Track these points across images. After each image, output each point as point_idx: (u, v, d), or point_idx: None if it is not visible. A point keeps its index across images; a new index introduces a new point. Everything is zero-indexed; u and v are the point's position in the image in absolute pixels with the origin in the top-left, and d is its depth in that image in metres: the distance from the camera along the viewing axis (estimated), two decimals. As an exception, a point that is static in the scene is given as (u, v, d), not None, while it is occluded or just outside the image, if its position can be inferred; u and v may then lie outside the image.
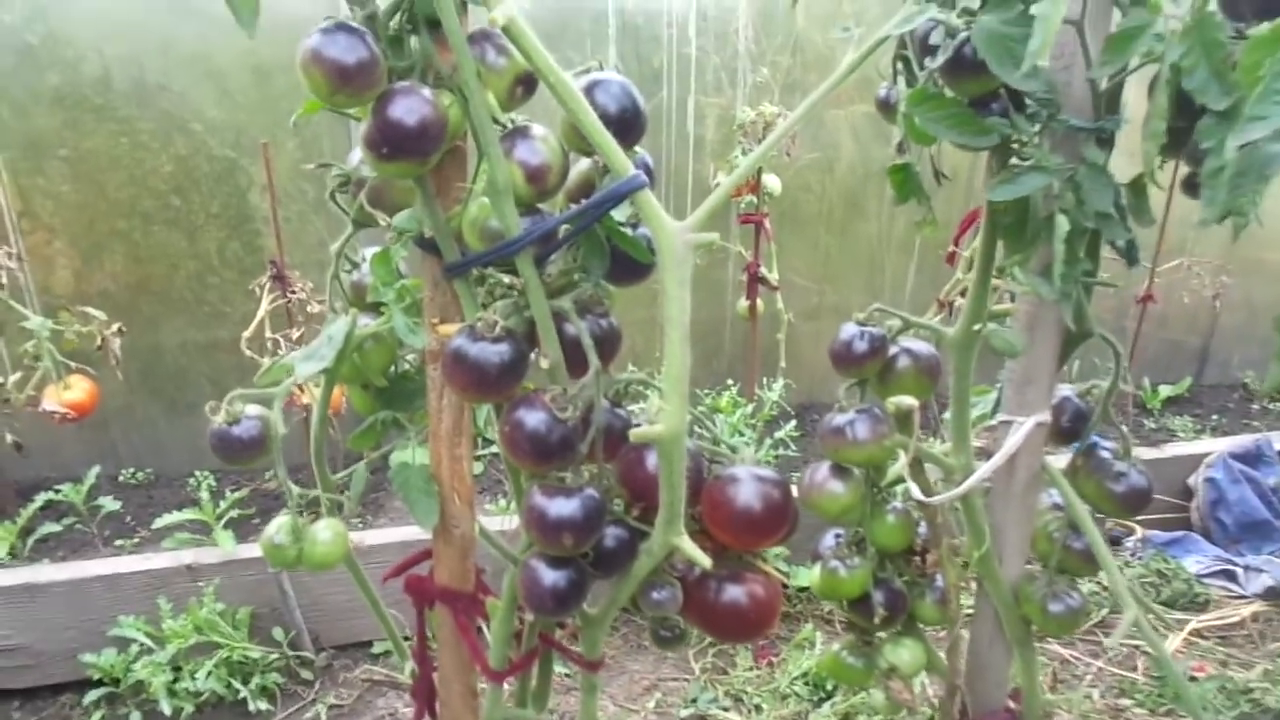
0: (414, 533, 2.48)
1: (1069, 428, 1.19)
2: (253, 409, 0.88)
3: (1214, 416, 3.58)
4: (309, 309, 2.55)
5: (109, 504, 2.63)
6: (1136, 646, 2.48)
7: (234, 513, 2.59)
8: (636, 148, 0.93)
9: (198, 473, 2.87)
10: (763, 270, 2.87)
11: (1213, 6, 0.74)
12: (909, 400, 1.09)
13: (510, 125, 0.87)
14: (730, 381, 2.92)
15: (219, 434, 0.86)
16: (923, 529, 1.26)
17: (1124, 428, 1.18)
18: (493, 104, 0.84)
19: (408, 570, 1.08)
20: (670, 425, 0.81)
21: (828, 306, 3.33)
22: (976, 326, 1.00)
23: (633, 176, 0.82)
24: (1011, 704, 1.27)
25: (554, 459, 0.86)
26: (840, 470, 1.18)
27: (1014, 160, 0.97)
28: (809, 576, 1.25)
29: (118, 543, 2.60)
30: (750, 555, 1.03)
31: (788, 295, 3.00)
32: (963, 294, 3.11)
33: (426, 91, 0.80)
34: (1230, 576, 2.74)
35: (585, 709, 1.10)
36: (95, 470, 2.67)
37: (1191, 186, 1.03)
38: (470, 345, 0.85)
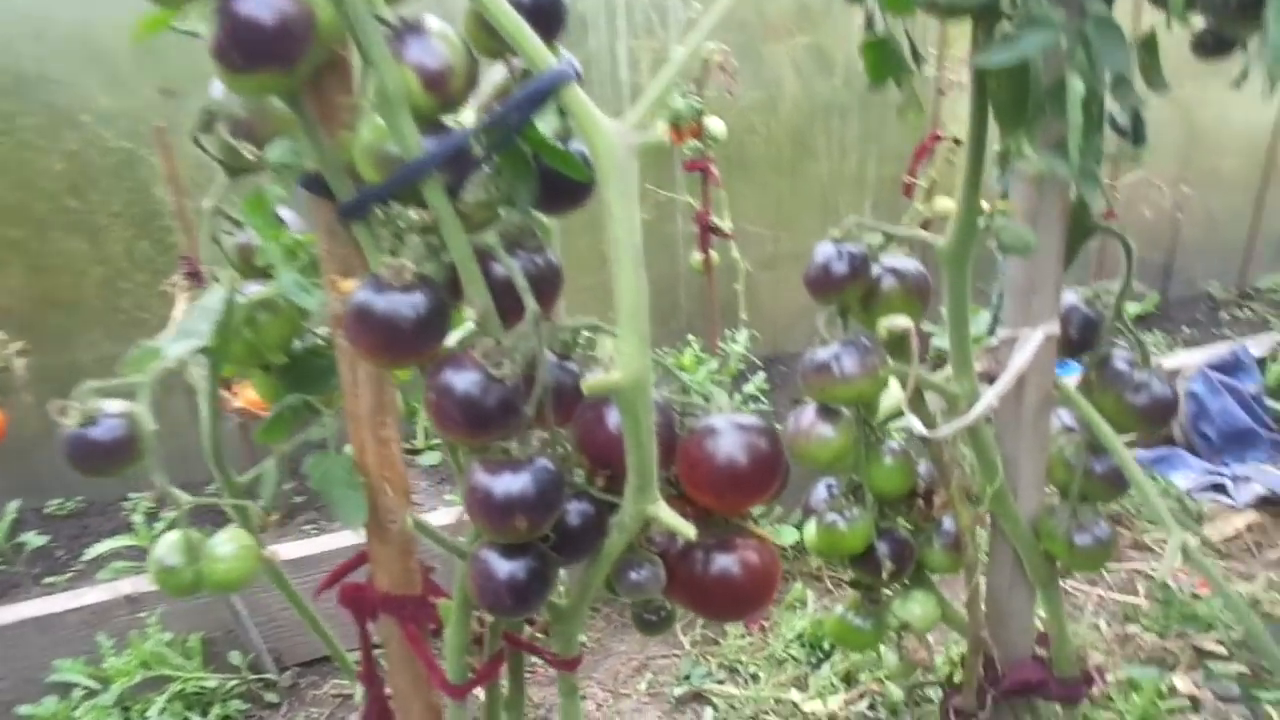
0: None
1: (1078, 338, 1.06)
2: (114, 405, 0.72)
3: (1185, 330, 3.51)
4: (232, 305, 2.36)
5: (34, 539, 2.42)
6: (1137, 570, 2.40)
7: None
8: (560, 48, 0.77)
9: (133, 495, 2.67)
10: (714, 219, 2.72)
11: None
12: (903, 320, 0.95)
13: (399, 22, 0.70)
14: (691, 337, 2.76)
15: (73, 440, 0.69)
16: (923, 469, 1.13)
17: (1140, 335, 1.05)
18: (372, -6, 0.67)
19: (342, 579, 0.93)
20: (631, 370, 0.66)
21: (784, 254, 3.19)
22: (982, 225, 0.86)
23: (555, 69, 0.66)
24: (1039, 650, 1.15)
25: (493, 427, 0.71)
26: (828, 412, 1.04)
27: (1005, 26, 0.83)
28: (804, 534, 1.11)
29: (48, 580, 2.40)
30: (738, 518, 0.88)
31: (741, 244, 2.85)
32: (924, 226, 2.99)
33: (282, -20, 0.64)
34: (1220, 489, 2.67)
35: (566, 715, 0.95)
36: (15, 505, 2.46)
37: (1205, 45, 0.90)
38: (376, 297, 0.69)
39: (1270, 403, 2.92)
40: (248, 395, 2.37)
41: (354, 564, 0.93)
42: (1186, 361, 3.00)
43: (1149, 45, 0.83)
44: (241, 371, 0.88)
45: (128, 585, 2.21)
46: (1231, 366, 2.91)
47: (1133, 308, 3.61)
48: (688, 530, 0.71)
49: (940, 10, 0.79)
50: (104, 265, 2.55)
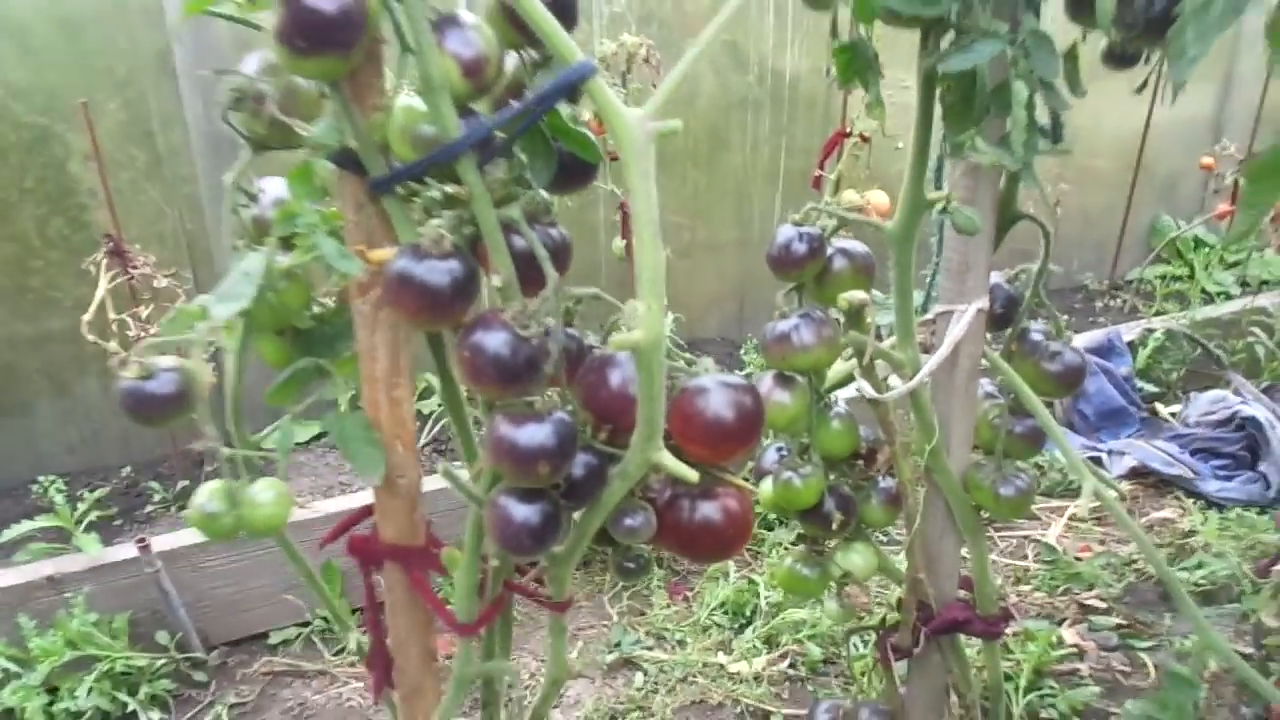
0: (306, 513, 2.33)
1: (1001, 314, 1.20)
2: (167, 360, 0.76)
3: (1064, 317, 3.79)
4: (155, 284, 2.33)
5: (-57, 524, 2.35)
6: (1026, 536, 2.61)
7: (94, 515, 2.37)
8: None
9: (42, 478, 2.60)
10: (637, 208, 2.81)
11: None
12: (860, 294, 1.06)
13: (437, 15, 0.77)
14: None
15: (131, 391, 0.74)
16: (863, 431, 1.25)
17: (1055, 310, 1.20)
18: (418, -12, 0.74)
19: (347, 531, 0.99)
20: (651, 330, 0.74)
21: (699, 242, 3.31)
22: (939, 209, 0.98)
23: (583, 63, 0.74)
24: (963, 593, 1.29)
25: (521, 381, 0.79)
26: (785, 380, 1.15)
27: (949, 35, 0.95)
28: (760, 493, 1.22)
29: (-41, 565, 2.33)
30: (719, 469, 0.98)
31: (661, 233, 2.95)
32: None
33: (339, -30, 0.70)
34: (1097, 462, 2.92)
35: (555, 653, 1.03)
36: (-78, 488, 2.38)
37: (1114, 57, 1.04)
38: (416, 265, 0.76)
39: (1140, 383, 3.20)
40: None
41: (357, 518, 0.99)
42: (1066, 347, 3.25)
43: (1072, 56, 0.96)
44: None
45: (49, 566, 2.17)
46: (1106, 351, 3.18)
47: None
48: (690, 474, 0.81)
49: (901, 20, 0.91)
50: (13, 243, 2.47)
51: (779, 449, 1.26)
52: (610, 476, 0.89)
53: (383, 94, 0.81)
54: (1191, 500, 2.75)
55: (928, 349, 1.17)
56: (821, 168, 3.05)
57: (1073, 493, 2.81)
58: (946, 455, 1.18)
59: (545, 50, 0.84)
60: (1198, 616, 1.21)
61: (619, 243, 2.91)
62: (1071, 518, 2.72)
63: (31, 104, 2.38)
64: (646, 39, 2.66)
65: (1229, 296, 3.95)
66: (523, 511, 0.84)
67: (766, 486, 1.20)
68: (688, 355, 0.98)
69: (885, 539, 2.31)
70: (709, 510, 0.94)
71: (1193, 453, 2.87)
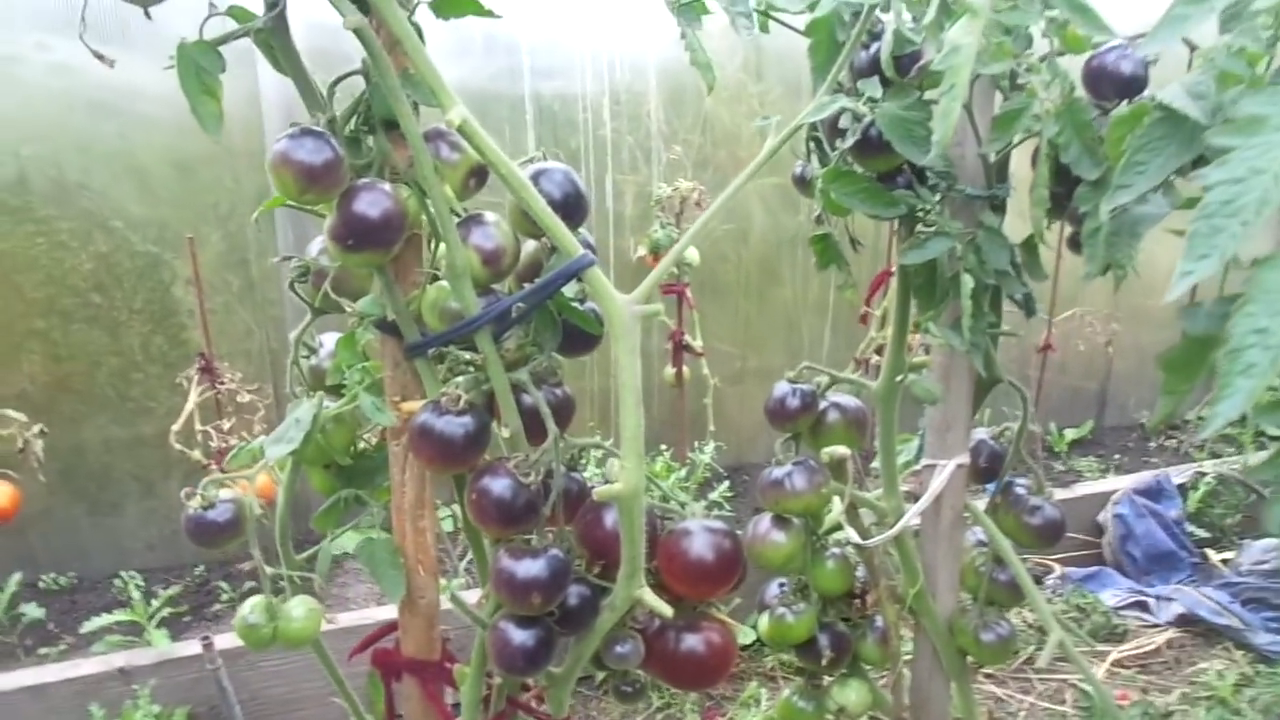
0: (357, 620, 2.46)
1: (986, 468, 1.28)
2: (225, 493, 0.91)
3: (1116, 456, 3.78)
4: (239, 399, 2.55)
5: (32, 611, 2.54)
6: (1064, 680, 2.59)
7: (165, 611, 2.54)
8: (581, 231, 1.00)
9: (123, 574, 2.79)
10: (687, 338, 2.98)
11: (1079, 92, 0.85)
12: (841, 450, 1.17)
13: (464, 213, 0.93)
14: (663, 446, 2.99)
15: (195, 519, 0.89)
16: (860, 572, 1.33)
17: (1037, 466, 1.28)
18: (449, 195, 0.91)
19: (373, 645, 1.11)
20: (630, 483, 0.87)
21: (750, 370, 3.45)
22: (898, 378, 1.09)
23: (581, 256, 0.89)
24: (954, 734, 1.34)
25: (520, 523, 0.91)
26: (781, 521, 1.25)
27: (920, 227, 1.08)
28: (758, 625, 1.31)
29: (41, 651, 2.51)
30: (704, 604, 1.08)
31: (711, 361, 3.10)
32: (878, 351, 3.29)
33: (387, 186, 0.87)
34: (1144, 607, 2.88)
35: (554, 769, 1.12)
36: (16, 578, 2.58)
37: (1075, 244, 1.15)
38: (436, 419, 0.90)
39: (1191, 527, 3.17)
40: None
41: (383, 633, 1.12)
42: (1116, 485, 3.25)
43: (1029, 246, 1.08)
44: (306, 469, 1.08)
45: (120, 658, 2.33)
46: (1155, 492, 3.16)
47: (1069, 433, 3.90)
48: (666, 611, 0.92)
49: (871, 217, 1.04)
50: (119, 357, 2.73)
51: (780, 584, 1.35)
52: (602, 607, 1.00)
53: (421, 274, 0.97)
54: (1240, 652, 2.70)
55: (918, 497, 1.27)
56: (869, 303, 3.17)
57: (1116, 637, 2.78)
58: (932, 599, 1.26)
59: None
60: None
61: (669, 371, 3.07)
62: (1115, 663, 2.69)
63: (146, 235, 2.67)
64: (700, 184, 2.87)
65: (1290, 440, 3.89)
66: (519, 636, 0.95)
67: (764, 620, 1.29)
68: (683, 498, 1.10)
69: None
70: (693, 642, 1.04)
71: (1244, 602, 2.82)
